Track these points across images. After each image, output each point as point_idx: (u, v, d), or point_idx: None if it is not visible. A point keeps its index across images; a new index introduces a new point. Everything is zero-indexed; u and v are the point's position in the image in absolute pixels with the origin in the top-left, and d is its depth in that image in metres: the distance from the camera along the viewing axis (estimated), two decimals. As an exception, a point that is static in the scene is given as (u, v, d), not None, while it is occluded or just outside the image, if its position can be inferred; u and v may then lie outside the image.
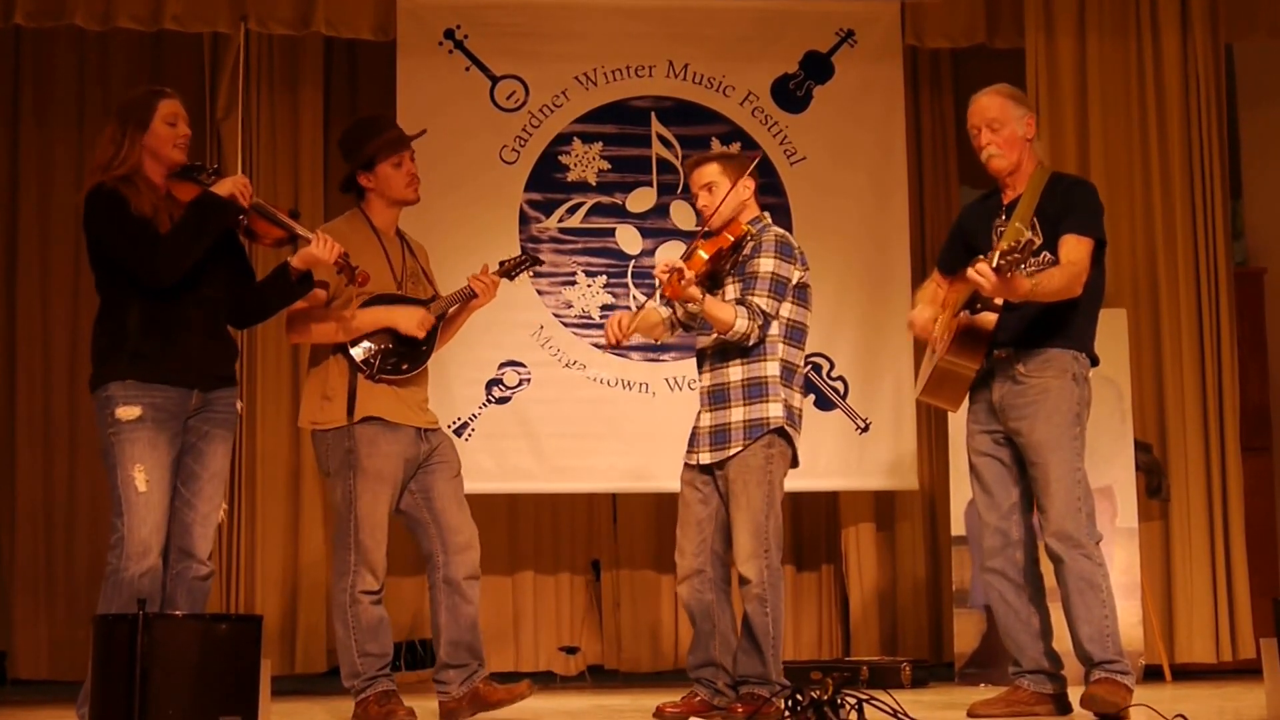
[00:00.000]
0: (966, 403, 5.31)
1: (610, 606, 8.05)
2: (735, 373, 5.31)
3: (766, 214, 5.50)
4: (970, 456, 5.28)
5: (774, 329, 5.30)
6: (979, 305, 5.02)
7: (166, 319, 4.78)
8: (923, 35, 7.91)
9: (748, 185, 5.43)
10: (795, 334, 5.37)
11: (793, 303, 5.34)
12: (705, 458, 5.35)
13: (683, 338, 5.91)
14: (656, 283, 5.27)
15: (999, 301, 4.98)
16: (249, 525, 7.63)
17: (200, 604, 4.88)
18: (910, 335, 7.53)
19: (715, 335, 5.31)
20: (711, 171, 5.43)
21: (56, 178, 7.94)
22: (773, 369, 5.29)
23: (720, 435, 5.31)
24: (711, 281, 5.34)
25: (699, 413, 5.44)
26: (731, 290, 5.33)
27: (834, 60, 7.83)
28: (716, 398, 5.36)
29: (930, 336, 5.32)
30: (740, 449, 5.26)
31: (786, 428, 5.29)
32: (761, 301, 5.24)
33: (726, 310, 5.20)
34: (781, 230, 5.43)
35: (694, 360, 5.54)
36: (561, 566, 8.13)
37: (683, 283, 5.07)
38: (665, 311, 5.55)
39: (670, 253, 7.52)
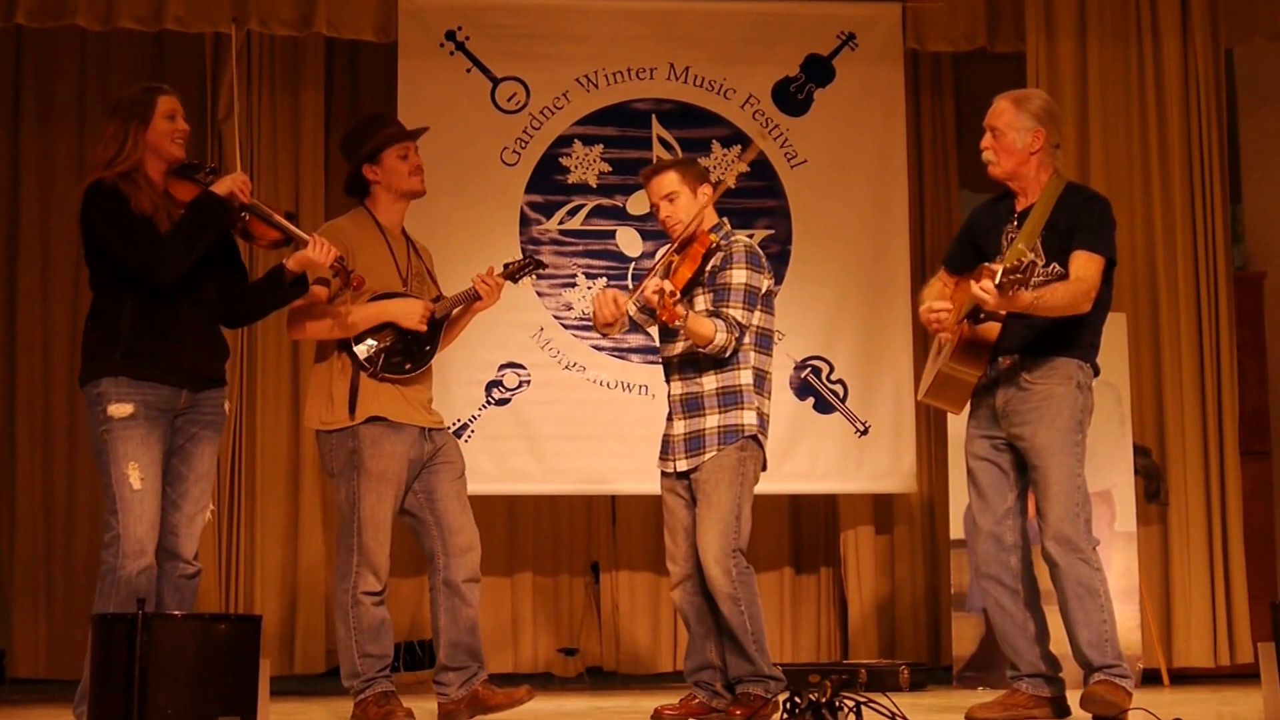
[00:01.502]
0: (968, 406, 5.31)
1: (609, 608, 8.05)
2: (709, 382, 5.33)
3: (725, 220, 5.51)
4: (968, 460, 5.27)
5: (746, 338, 5.32)
6: (982, 316, 5.02)
7: (160, 317, 4.79)
8: (924, 39, 7.92)
9: (705, 192, 5.43)
10: (764, 341, 5.40)
11: (762, 311, 5.37)
12: (682, 464, 5.36)
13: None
14: (637, 289, 5.24)
15: (1002, 313, 4.98)
16: (248, 525, 7.64)
17: (188, 602, 4.89)
18: (909, 338, 7.58)
19: (685, 345, 5.32)
20: (671, 181, 5.42)
21: (57, 177, 7.94)
22: (746, 377, 5.33)
23: (695, 441, 5.32)
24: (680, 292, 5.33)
25: (671, 420, 5.44)
26: (701, 301, 5.34)
27: (835, 63, 7.84)
28: (690, 405, 5.37)
29: (934, 327, 5.26)
30: (715, 453, 5.28)
31: (759, 435, 5.32)
32: (737, 314, 5.26)
33: (707, 325, 5.21)
34: (747, 239, 5.46)
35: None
36: (560, 568, 8.14)
37: (676, 304, 5.07)
38: (633, 309, 5.54)
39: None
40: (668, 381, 5.49)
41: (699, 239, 5.32)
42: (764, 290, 5.37)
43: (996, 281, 4.67)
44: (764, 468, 5.43)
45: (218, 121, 7.67)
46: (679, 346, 5.38)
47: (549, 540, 8.14)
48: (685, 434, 5.36)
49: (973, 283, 4.80)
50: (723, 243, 5.35)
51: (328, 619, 7.61)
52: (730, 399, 5.31)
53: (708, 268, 5.33)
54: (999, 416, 5.15)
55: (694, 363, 5.36)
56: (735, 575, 5.23)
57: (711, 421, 5.31)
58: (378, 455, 5.19)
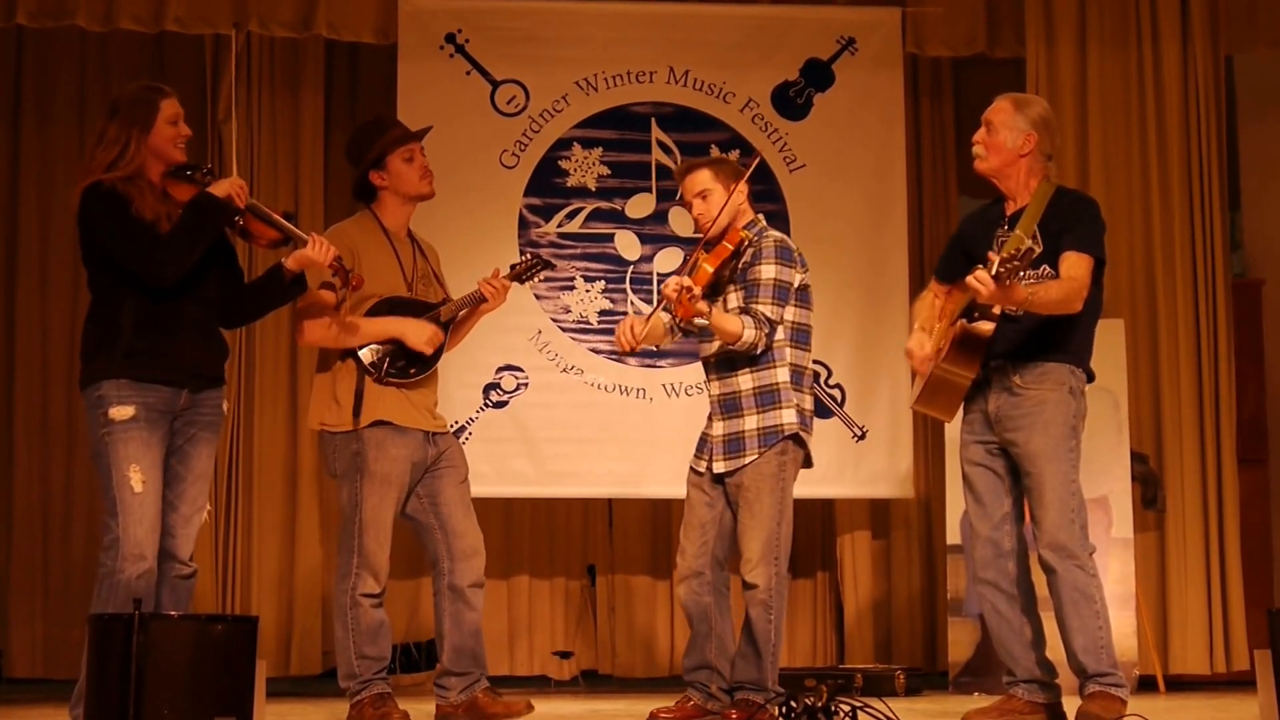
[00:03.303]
0: (961, 412, 5.31)
1: (605, 611, 8.05)
2: (745, 381, 5.32)
3: (761, 217, 5.51)
4: (963, 466, 5.27)
5: (780, 334, 5.31)
6: (976, 314, 5.03)
7: (160, 318, 4.78)
8: (923, 44, 7.92)
9: (742, 190, 5.43)
10: (801, 336, 5.38)
11: (795, 305, 5.35)
12: (719, 466, 5.34)
13: (680, 343, 5.92)
14: (663, 299, 5.23)
15: (996, 311, 4.99)
16: (245, 527, 7.64)
17: (184, 603, 4.88)
18: (907, 332, 7.58)
19: (719, 344, 5.31)
20: (704, 178, 5.43)
21: (57, 178, 7.94)
22: (783, 375, 5.31)
23: (735, 444, 5.31)
24: (712, 289, 5.33)
25: (710, 420, 5.43)
26: (734, 298, 5.33)
27: (834, 68, 7.84)
28: (728, 406, 5.36)
29: (925, 366, 5.28)
30: (755, 457, 5.27)
31: (800, 433, 5.30)
32: (766, 310, 5.24)
33: (734, 322, 5.20)
34: (780, 234, 5.44)
35: (691, 366, 5.57)
36: (557, 571, 8.14)
37: (692, 300, 5.06)
38: (666, 318, 5.56)
39: (669, 258, 7.56)
40: (707, 381, 5.48)
41: (728, 235, 5.32)
42: (796, 285, 5.35)
43: (993, 271, 4.68)
44: (809, 463, 5.42)
45: (217, 122, 7.68)
46: (714, 345, 5.37)
47: (545, 543, 8.15)
48: (725, 435, 5.35)
49: (969, 277, 4.80)
50: (754, 238, 5.35)
51: (324, 620, 7.62)
52: (768, 398, 5.30)
53: (739, 264, 5.33)
54: (992, 422, 5.16)
55: (729, 361, 5.35)
56: (774, 584, 5.24)
57: (750, 423, 5.30)
58: (381, 458, 5.18)
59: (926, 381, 5.22)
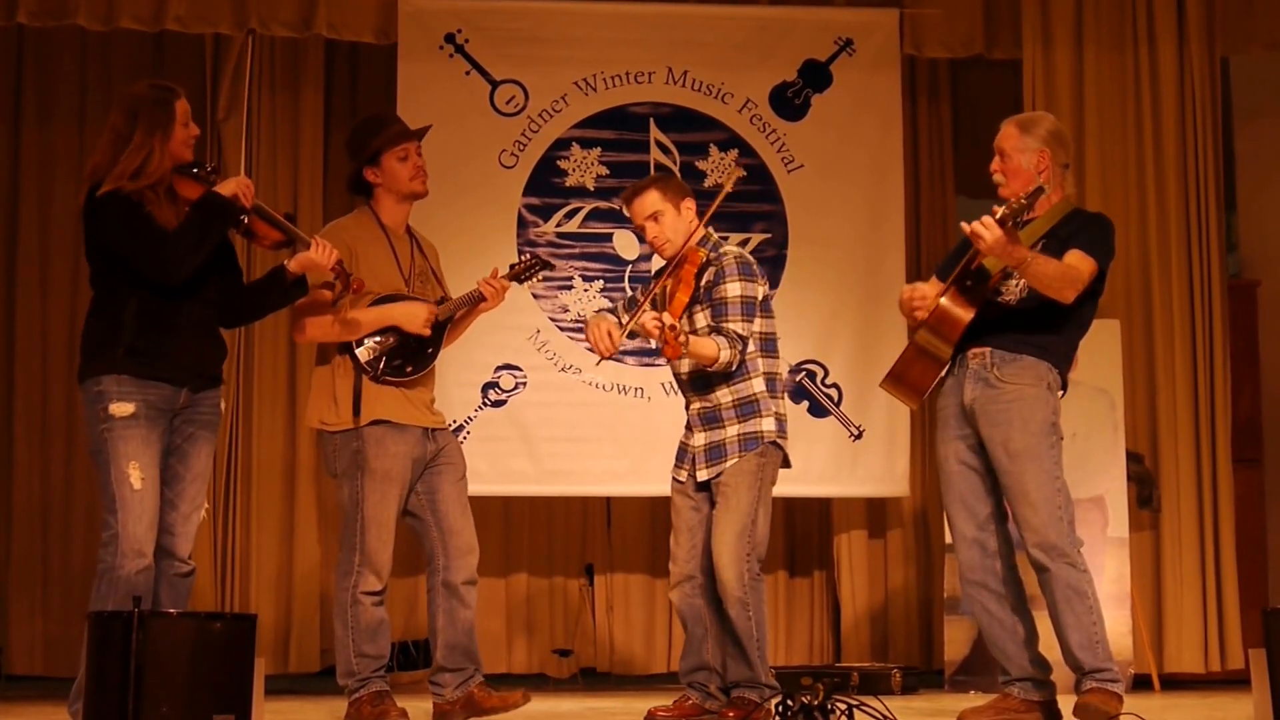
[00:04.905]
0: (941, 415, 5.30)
1: (603, 610, 8.07)
2: (724, 395, 5.37)
3: (711, 229, 5.53)
4: (944, 465, 5.24)
5: (751, 346, 5.36)
6: (969, 282, 5.05)
7: (162, 317, 4.79)
8: (921, 45, 7.94)
9: (689, 207, 5.45)
10: (770, 345, 5.44)
11: (762, 317, 5.40)
12: (703, 474, 5.38)
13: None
14: (640, 321, 5.21)
15: (991, 283, 5.00)
16: (244, 525, 7.66)
17: (183, 601, 4.90)
18: (905, 342, 7.59)
19: (691, 363, 5.35)
20: (653, 200, 5.43)
21: (57, 177, 7.96)
22: (759, 385, 5.37)
23: (716, 451, 5.35)
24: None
25: (690, 430, 5.47)
26: (700, 317, 5.38)
27: (832, 69, 7.85)
28: (709, 419, 5.40)
29: (913, 306, 5.25)
30: (737, 460, 5.30)
31: (778, 439, 5.35)
32: (737, 327, 5.29)
33: (709, 346, 5.24)
34: (737, 249, 5.49)
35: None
36: (555, 570, 8.16)
37: (677, 336, 5.04)
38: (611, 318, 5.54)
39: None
40: (686, 398, 5.52)
41: (689, 257, 5.33)
42: (760, 297, 5.40)
43: (998, 217, 4.72)
44: (787, 464, 5.46)
45: (218, 122, 7.69)
46: (686, 364, 5.41)
47: (544, 542, 8.17)
48: (706, 445, 5.39)
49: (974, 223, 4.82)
50: (712, 255, 5.38)
51: (323, 618, 7.64)
52: (748, 409, 5.35)
53: (702, 283, 5.35)
54: (968, 415, 5.16)
55: (705, 379, 5.39)
56: (748, 580, 5.26)
57: (732, 431, 5.35)
58: (382, 455, 5.20)
59: (904, 352, 5.24)
